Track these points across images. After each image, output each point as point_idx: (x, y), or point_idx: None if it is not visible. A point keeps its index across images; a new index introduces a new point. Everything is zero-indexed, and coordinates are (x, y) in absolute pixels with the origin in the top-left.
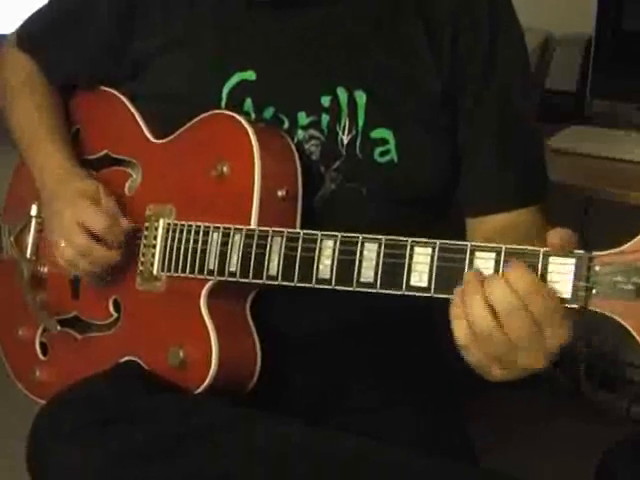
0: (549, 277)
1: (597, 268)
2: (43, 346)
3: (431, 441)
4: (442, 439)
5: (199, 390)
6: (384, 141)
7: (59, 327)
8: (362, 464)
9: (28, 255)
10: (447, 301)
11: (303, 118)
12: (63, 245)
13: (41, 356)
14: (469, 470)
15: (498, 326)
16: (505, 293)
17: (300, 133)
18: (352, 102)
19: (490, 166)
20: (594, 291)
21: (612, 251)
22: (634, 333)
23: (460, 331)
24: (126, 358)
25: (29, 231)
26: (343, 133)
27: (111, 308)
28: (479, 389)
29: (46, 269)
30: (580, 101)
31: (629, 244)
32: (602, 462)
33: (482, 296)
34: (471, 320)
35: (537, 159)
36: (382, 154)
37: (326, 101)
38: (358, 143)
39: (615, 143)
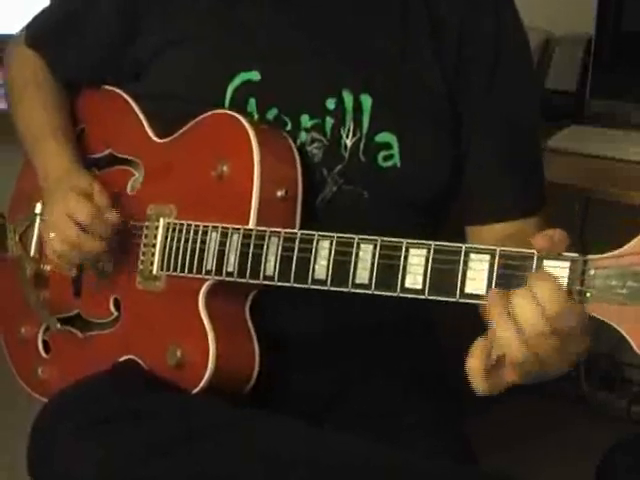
0: None
1: (592, 272)
2: (45, 344)
3: (431, 439)
4: (442, 438)
5: (196, 390)
6: (388, 145)
7: (59, 325)
8: (362, 465)
9: (32, 253)
10: (446, 302)
11: (306, 120)
12: (52, 236)
13: (44, 354)
14: (471, 473)
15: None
16: (534, 315)
17: (303, 135)
18: (357, 105)
19: (492, 177)
20: (588, 295)
21: (607, 255)
22: (629, 338)
23: (506, 330)
24: (126, 357)
25: (33, 229)
26: (347, 136)
27: (111, 307)
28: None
29: (49, 267)
30: (580, 101)
31: (624, 247)
32: (602, 462)
33: (532, 296)
34: (518, 315)
35: (538, 171)
36: (385, 158)
37: (331, 104)
38: (362, 147)
39: (614, 143)
